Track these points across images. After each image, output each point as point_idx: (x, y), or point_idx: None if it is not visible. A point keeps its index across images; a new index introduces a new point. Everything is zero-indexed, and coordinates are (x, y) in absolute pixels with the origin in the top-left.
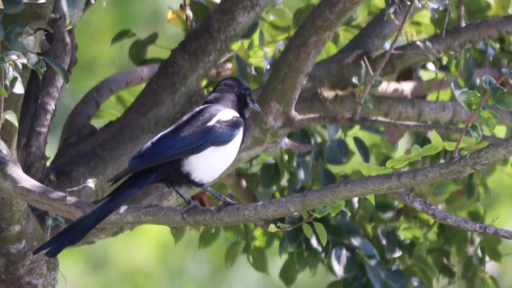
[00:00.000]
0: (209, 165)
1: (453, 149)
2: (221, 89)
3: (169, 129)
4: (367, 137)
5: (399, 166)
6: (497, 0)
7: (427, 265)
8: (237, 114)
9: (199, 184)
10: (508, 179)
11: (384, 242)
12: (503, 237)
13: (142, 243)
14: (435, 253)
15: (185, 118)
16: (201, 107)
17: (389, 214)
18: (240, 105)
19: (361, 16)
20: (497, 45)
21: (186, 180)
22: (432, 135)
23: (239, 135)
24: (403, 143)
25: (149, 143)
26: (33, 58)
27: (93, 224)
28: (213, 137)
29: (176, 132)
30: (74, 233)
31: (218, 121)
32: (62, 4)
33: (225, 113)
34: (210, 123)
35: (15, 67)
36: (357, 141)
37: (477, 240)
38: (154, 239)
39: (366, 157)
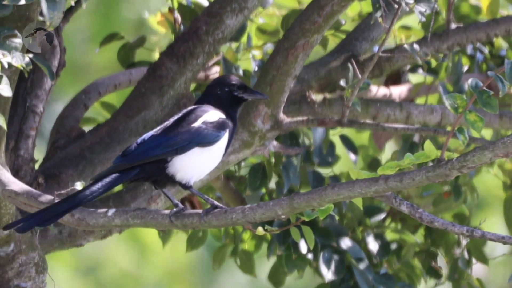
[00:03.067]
0: (193, 166)
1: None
2: (209, 89)
3: (155, 130)
4: (354, 138)
5: (390, 172)
6: (486, 5)
7: (414, 269)
8: (223, 116)
9: (186, 187)
10: (495, 182)
11: (372, 246)
12: (490, 240)
13: (131, 246)
14: (422, 254)
15: (172, 119)
16: (189, 108)
17: (377, 218)
18: (230, 104)
19: (350, 21)
20: (486, 50)
21: (171, 181)
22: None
23: (225, 136)
24: (391, 146)
25: (134, 143)
26: (19, 56)
27: (67, 210)
28: (198, 138)
29: (161, 133)
30: (47, 215)
31: (204, 122)
32: (42, 6)
33: (211, 114)
34: (195, 124)
35: (2, 69)
36: (344, 139)
37: (464, 242)
38: (143, 242)
39: (354, 154)
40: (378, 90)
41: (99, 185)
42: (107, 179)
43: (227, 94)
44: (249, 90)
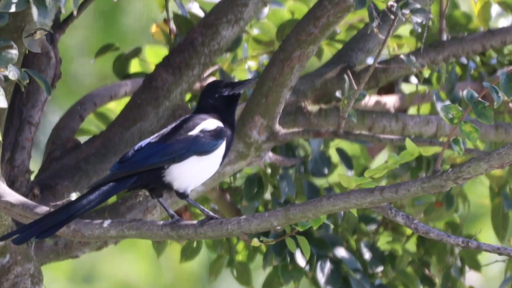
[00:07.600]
0: (190, 174)
1: (428, 155)
2: (201, 101)
3: (152, 137)
4: (347, 147)
5: (378, 175)
6: (477, 12)
7: (409, 278)
8: (221, 124)
9: (183, 196)
10: (486, 190)
11: (366, 256)
12: (486, 250)
13: (129, 257)
14: (415, 263)
15: (170, 127)
16: (186, 116)
17: (372, 227)
18: (226, 107)
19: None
20: (478, 58)
21: (168, 189)
22: (407, 142)
23: (222, 145)
24: (384, 156)
25: (132, 150)
26: (15, 70)
27: (64, 220)
28: (195, 147)
29: (159, 141)
30: (44, 226)
31: (202, 131)
32: (33, 13)
33: (209, 123)
34: (193, 132)
35: None
36: (340, 152)
37: (457, 250)
38: (141, 253)
39: (349, 167)
40: (370, 99)
41: (96, 194)
42: (105, 188)
43: (219, 100)
44: (236, 84)
